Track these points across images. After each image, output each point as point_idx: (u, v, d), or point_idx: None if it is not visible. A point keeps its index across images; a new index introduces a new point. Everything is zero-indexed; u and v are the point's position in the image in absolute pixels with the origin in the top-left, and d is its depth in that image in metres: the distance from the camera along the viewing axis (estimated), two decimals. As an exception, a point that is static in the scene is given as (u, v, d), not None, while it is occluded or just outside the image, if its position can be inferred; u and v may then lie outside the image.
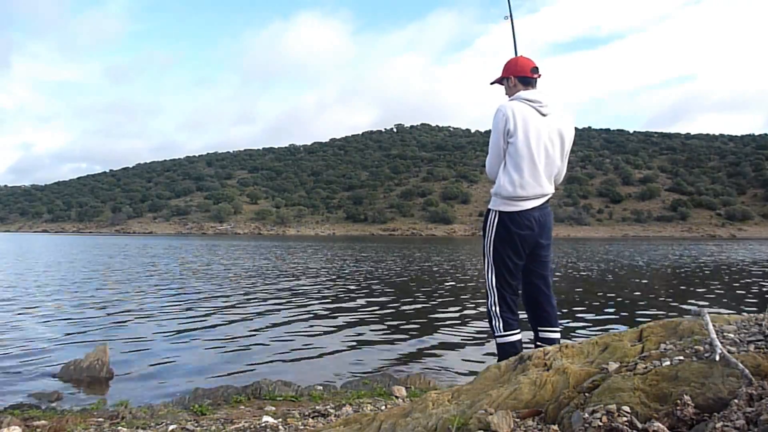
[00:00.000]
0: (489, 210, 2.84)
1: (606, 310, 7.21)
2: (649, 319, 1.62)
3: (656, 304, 7.89)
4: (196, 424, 2.39)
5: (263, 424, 2.29)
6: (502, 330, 2.75)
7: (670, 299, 8.35)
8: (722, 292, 9.37)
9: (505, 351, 2.66)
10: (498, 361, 2.02)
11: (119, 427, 2.40)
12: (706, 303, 7.90)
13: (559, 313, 2.96)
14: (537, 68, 2.88)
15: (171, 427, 2.36)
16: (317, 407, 2.67)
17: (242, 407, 2.85)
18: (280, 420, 2.39)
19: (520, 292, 2.88)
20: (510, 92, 2.93)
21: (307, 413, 2.53)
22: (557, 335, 2.86)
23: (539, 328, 2.86)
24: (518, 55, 3.07)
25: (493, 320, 2.79)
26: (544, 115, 2.76)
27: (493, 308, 2.79)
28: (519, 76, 2.87)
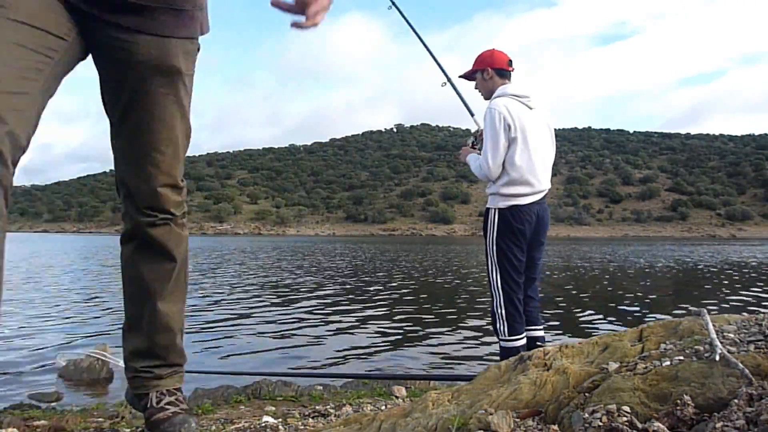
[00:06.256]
0: (488, 209, 2.83)
1: (606, 310, 7.21)
2: (651, 319, 1.62)
3: (656, 304, 7.89)
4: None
5: (263, 424, 2.28)
6: (507, 335, 2.72)
7: (670, 299, 8.36)
8: (722, 292, 9.37)
9: (509, 355, 2.65)
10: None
11: (119, 427, 2.39)
12: (706, 303, 7.90)
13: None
14: (512, 61, 2.88)
15: (171, 427, 2.36)
16: (317, 407, 2.67)
17: (242, 407, 2.85)
18: (280, 420, 2.39)
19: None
20: (483, 85, 2.90)
21: (307, 413, 2.53)
22: (542, 332, 2.87)
23: (525, 328, 2.85)
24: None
25: (498, 323, 2.75)
26: (531, 108, 2.77)
27: (499, 310, 2.73)
28: (496, 68, 2.86)
